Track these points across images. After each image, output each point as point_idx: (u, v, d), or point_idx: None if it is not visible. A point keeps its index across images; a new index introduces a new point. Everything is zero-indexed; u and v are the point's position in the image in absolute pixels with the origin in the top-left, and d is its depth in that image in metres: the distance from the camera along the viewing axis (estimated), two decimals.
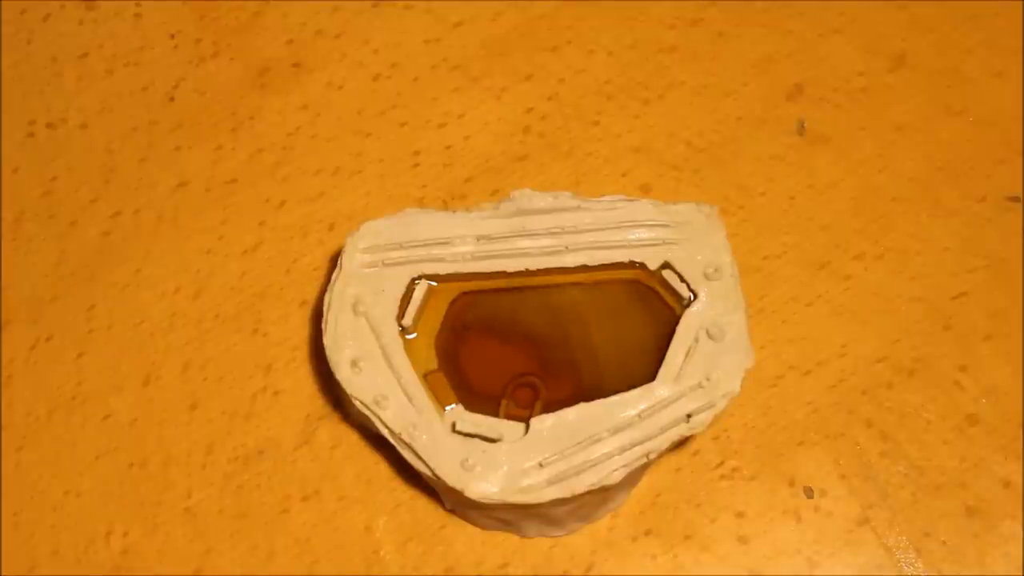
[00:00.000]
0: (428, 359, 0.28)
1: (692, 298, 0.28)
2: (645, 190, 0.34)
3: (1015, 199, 0.33)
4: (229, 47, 0.37)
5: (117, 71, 0.36)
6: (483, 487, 0.26)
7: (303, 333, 0.32)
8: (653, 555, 0.29)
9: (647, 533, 0.30)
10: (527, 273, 0.29)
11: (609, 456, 0.26)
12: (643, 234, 0.28)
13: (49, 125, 0.36)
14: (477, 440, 0.27)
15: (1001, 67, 0.35)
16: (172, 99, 0.36)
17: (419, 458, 0.27)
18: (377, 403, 0.27)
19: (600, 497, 0.28)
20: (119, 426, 0.32)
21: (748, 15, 0.36)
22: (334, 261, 0.31)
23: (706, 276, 0.28)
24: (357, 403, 0.27)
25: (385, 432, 0.27)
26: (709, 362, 0.27)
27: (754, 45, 0.36)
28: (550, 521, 0.28)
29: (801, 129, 0.34)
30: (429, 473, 0.27)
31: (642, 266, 0.28)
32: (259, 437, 0.31)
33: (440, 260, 0.29)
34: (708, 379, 0.27)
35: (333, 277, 0.29)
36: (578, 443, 0.26)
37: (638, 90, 0.35)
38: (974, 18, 0.36)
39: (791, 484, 0.30)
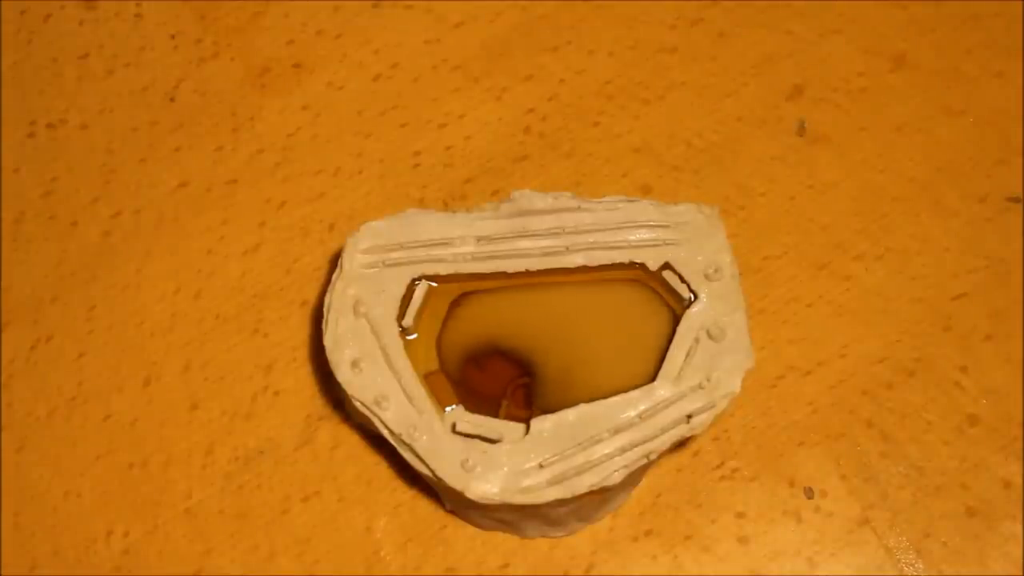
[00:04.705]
0: (428, 360, 0.28)
1: (692, 298, 0.28)
2: (645, 190, 0.34)
3: (1015, 199, 0.33)
4: (229, 47, 0.37)
5: (117, 71, 0.36)
6: (483, 488, 0.26)
7: (303, 333, 0.32)
8: (653, 555, 0.29)
9: (647, 533, 0.30)
10: (527, 274, 0.29)
11: (610, 457, 0.26)
12: (643, 235, 0.28)
13: (49, 125, 0.36)
14: (477, 441, 0.27)
15: (1001, 67, 0.35)
16: (172, 99, 0.36)
17: (419, 459, 0.27)
18: (377, 404, 0.27)
19: (600, 498, 0.28)
20: (119, 426, 0.32)
21: (748, 15, 0.36)
22: (334, 261, 0.31)
23: (706, 276, 0.28)
24: (357, 404, 0.27)
25: (385, 433, 0.27)
26: (709, 362, 0.27)
27: (754, 45, 0.36)
28: (550, 522, 0.28)
29: (801, 129, 0.34)
30: (429, 474, 0.27)
31: (642, 267, 0.28)
32: (259, 437, 0.31)
33: (440, 261, 0.28)
34: (708, 379, 0.27)
35: (333, 278, 0.29)
36: (578, 444, 0.26)
37: (638, 90, 0.35)
38: (974, 18, 0.36)
39: (791, 485, 0.30)
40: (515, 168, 0.34)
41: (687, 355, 0.27)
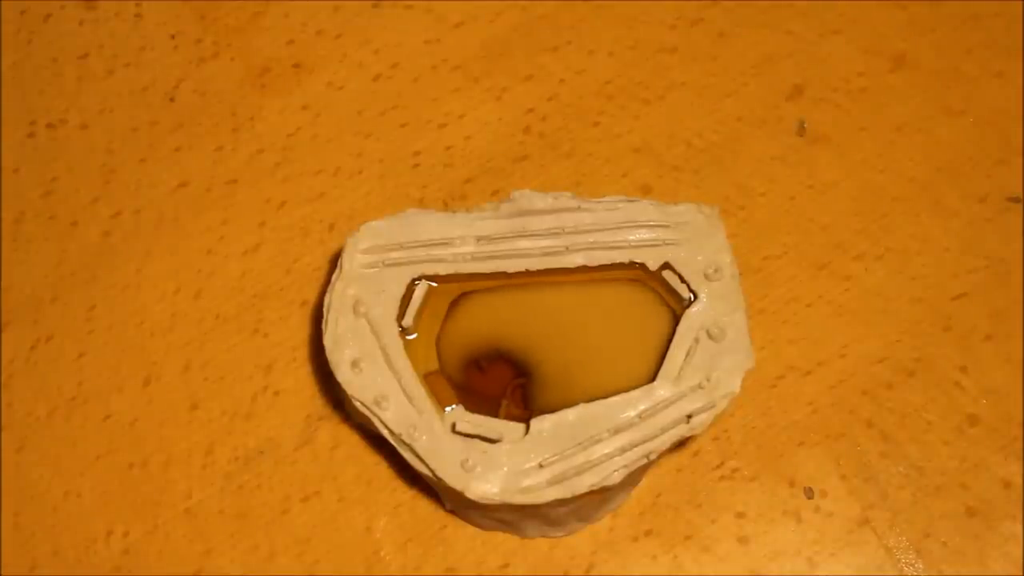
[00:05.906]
0: (428, 359, 0.28)
1: (692, 298, 0.28)
2: (645, 190, 0.34)
3: (1015, 199, 0.33)
4: (229, 47, 0.37)
5: (117, 71, 0.36)
6: (483, 488, 0.26)
7: (303, 333, 0.32)
8: (653, 555, 0.29)
9: (647, 533, 0.30)
10: (527, 274, 0.29)
11: (609, 457, 0.26)
12: (643, 235, 0.28)
13: (49, 125, 0.36)
14: (477, 440, 0.27)
15: (1001, 67, 0.35)
16: (172, 99, 0.36)
17: (419, 459, 0.27)
18: (377, 404, 0.27)
19: (600, 497, 0.28)
20: (119, 426, 0.32)
21: (748, 15, 0.36)
22: (334, 261, 0.31)
23: (706, 276, 0.28)
24: (357, 404, 0.27)
25: (385, 433, 0.27)
26: (709, 362, 0.27)
27: (754, 45, 0.36)
28: (550, 522, 0.28)
29: (801, 129, 0.34)
30: (429, 474, 0.27)
31: (642, 267, 0.28)
32: (259, 437, 0.31)
33: (440, 261, 0.29)
34: (708, 379, 0.27)
35: (333, 278, 0.29)
36: (578, 444, 0.26)
37: (638, 90, 0.35)
38: (974, 18, 0.36)
39: (791, 485, 0.30)
40: (515, 168, 0.34)
41: (687, 355, 0.27)
